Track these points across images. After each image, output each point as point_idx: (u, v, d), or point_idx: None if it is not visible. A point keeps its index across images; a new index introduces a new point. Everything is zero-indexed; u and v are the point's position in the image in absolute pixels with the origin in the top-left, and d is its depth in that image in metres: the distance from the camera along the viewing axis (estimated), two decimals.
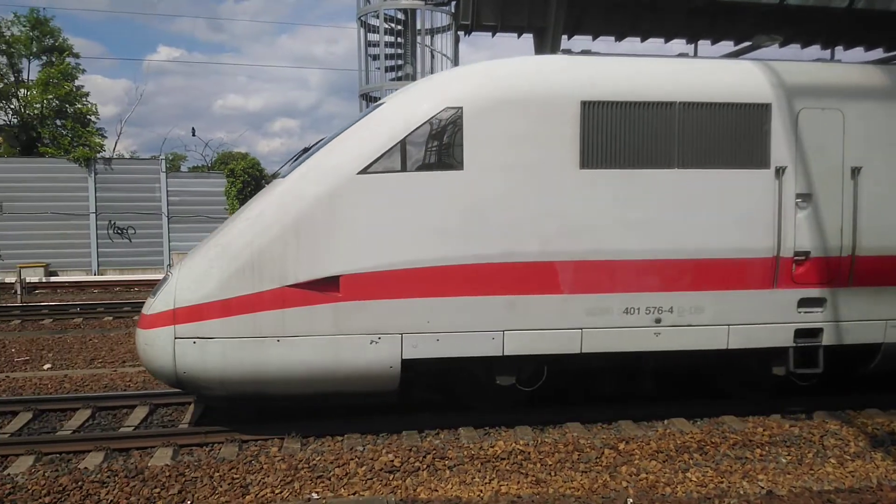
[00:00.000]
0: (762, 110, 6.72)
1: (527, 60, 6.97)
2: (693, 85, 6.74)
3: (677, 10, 16.60)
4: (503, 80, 6.57)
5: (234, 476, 5.77)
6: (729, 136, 6.66)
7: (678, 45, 17.43)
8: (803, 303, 6.85)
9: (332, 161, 6.38)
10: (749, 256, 6.70)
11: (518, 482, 5.71)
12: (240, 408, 7.05)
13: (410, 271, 6.28)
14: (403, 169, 6.30)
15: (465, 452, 6.22)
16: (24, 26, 29.77)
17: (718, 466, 6.04)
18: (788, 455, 6.29)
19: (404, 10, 17.85)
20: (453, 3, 17.96)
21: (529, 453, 6.21)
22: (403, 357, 6.37)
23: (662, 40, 17.40)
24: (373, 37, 18.34)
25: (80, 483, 5.62)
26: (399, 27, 18.14)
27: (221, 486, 5.60)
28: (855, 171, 6.84)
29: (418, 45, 17.78)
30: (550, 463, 6.05)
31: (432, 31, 18.46)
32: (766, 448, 6.42)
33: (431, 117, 6.35)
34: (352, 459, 6.07)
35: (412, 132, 6.32)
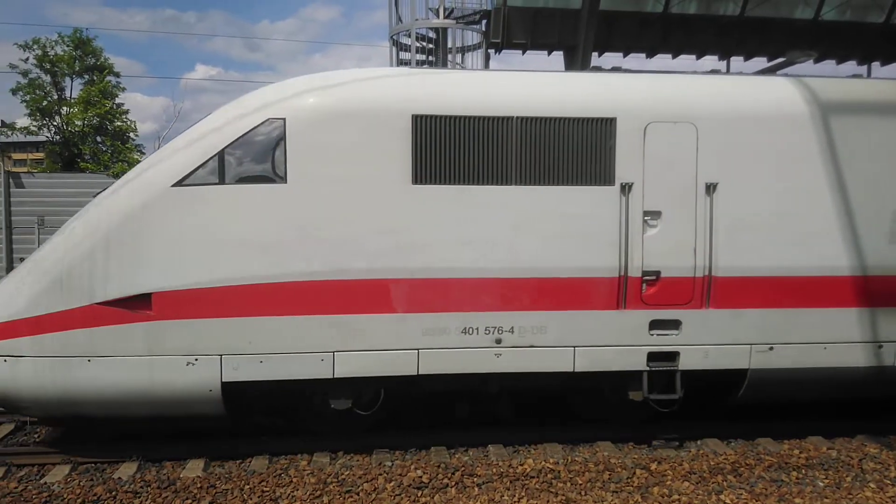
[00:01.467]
0: (606, 125, 6.37)
1: (356, 72, 6.71)
2: (532, 99, 6.43)
3: (708, 26, 16.55)
4: (330, 93, 6.33)
5: (265, 489, 5.81)
6: (572, 152, 6.34)
7: (710, 61, 17.35)
8: (656, 325, 6.48)
9: (148, 174, 6.17)
10: (595, 276, 6.37)
11: (548, 501, 5.65)
12: (272, 421, 7.10)
13: (229, 289, 6.02)
14: (222, 181, 6.07)
15: (494, 470, 6.19)
16: (68, 46, 30.73)
17: (753, 489, 5.90)
18: (826, 479, 6.12)
19: (436, 29, 18.03)
20: (484, 23, 18.11)
21: (559, 472, 6.15)
22: (224, 380, 6.10)
23: (694, 57, 17.34)
24: (404, 55, 18.55)
25: (114, 493, 5.71)
26: (430, 46, 18.32)
27: (251, 499, 5.65)
28: (710, 188, 6.44)
29: (449, 63, 17.92)
30: (581, 482, 5.98)
31: (463, 50, 18.61)
32: (803, 471, 6.26)
33: (253, 129, 6.12)
34: (380, 475, 6.08)
35: (231, 143, 6.10)
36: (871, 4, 15.74)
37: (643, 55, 18.09)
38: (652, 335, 6.50)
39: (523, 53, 18.94)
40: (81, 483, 5.91)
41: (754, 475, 6.18)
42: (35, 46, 30.06)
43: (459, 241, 6.27)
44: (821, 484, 6.04)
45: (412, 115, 6.20)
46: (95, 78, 30.80)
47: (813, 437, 7.11)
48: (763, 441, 7.00)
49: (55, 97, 31.01)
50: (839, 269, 6.62)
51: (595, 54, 17.51)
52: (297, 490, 5.79)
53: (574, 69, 16.73)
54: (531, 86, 6.60)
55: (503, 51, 18.98)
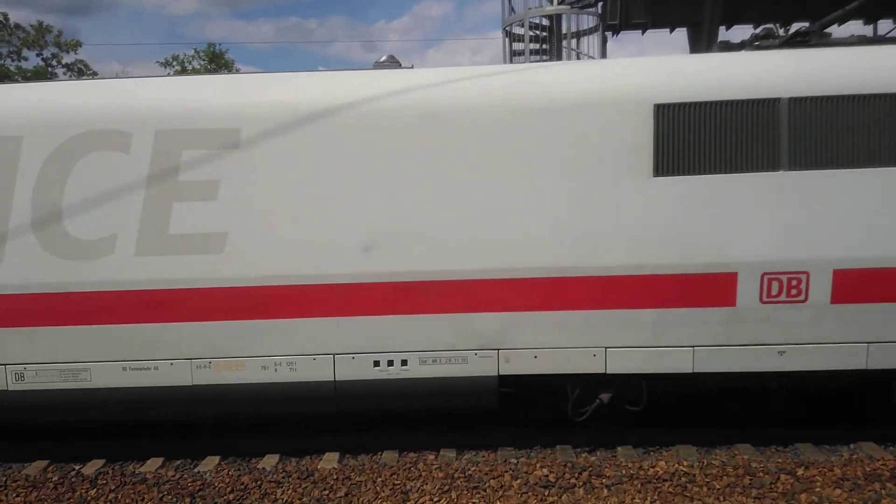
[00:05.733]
0: None
1: None
2: None
3: None
4: None
5: (395, 482, 5.99)
6: None
7: (855, 26, 15.87)
8: None
9: None
10: None
11: None
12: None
13: None
14: None
15: (624, 471, 6.02)
16: (203, 60, 33.16)
17: None
18: None
19: (549, 17, 17.70)
20: (600, 5, 17.57)
21: (694, 475, 5.89)
22: None
23: (836, 24, 15.91)
24: (517, 45, 18.37)
25: (259, 482, 6.10)
26: (544, 34, 18.02)
27: (384, 492, 5.84)
28: None
29: (564, 49, 17.55)
30: (718, 487, 5.69)
31: (578, 34, 18.15)
32: None
33: None
34: (506, 472, 6.09)
35: None
36: None
37: (777, 25, 16.82)
38: None
39: (643, 33, 18.18)
40: (230, 472, 6.36)
41: None
42: (174, 62, 32.66)
43: None
44: None
45: None
46: None
47: None
48: None
49: None
50: None
51: (722, 28, 16.50)
52: (427, 484, 5.93)
53: (699, 47, 15.83)
54: None
55: (621, 32, 18.34)
